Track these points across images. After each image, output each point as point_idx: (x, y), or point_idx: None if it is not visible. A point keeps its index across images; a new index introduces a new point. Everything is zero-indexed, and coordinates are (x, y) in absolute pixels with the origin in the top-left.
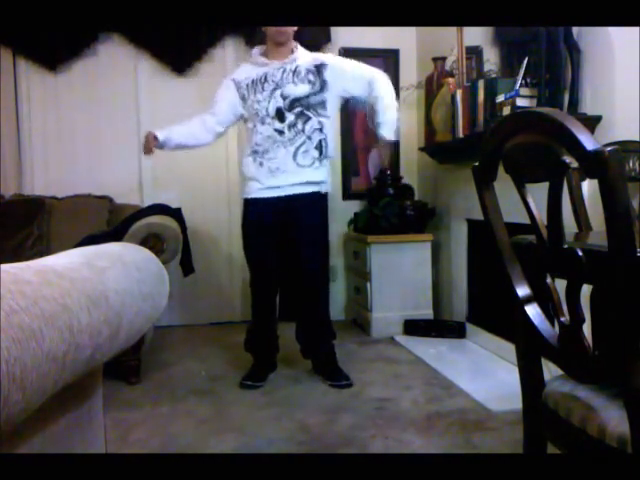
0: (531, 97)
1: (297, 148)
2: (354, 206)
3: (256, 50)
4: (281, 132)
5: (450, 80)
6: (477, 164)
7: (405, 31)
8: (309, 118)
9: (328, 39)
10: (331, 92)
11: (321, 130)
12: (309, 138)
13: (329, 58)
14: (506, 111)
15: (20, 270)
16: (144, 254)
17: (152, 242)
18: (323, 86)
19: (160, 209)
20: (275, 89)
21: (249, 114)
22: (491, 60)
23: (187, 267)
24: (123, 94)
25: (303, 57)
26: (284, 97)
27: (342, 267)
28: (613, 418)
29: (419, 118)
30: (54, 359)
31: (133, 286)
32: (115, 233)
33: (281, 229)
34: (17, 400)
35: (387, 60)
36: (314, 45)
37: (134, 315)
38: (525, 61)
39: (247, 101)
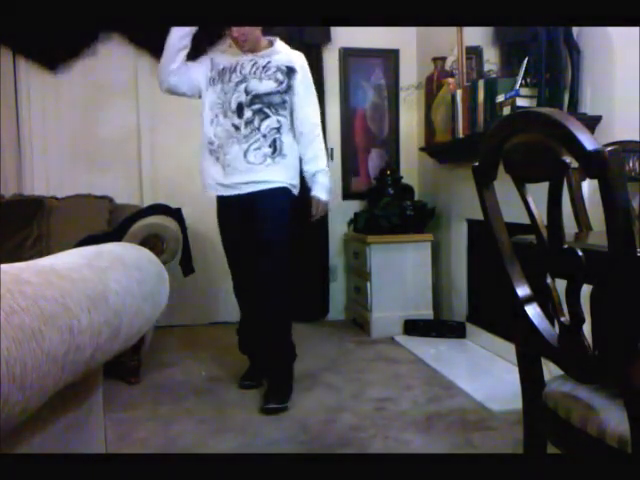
0: (531, 97)
1: (250, 145)
2: (354, 206)
3: (229, 41)
4: (237, 128)
5: (450, 80)
6: (477, 164)
7: (405, 31)
8: (267, 116)
9: (328, 39)
10: (292, 97)
11: (278, 130)
12: (264, 136)
13: (301, 67)
14: (506, 111)
15: (20, 270)
16: (144, 254)
17: (152, 242)
18: (289, 88)
19: (160, 209)
20: (241, 82)
21: (212, 102)
22: (491, 60)
23: (187, 267)
24: (123, 94)
25: (279, 53)
26: (247, 92)
27: (342, 267)
28: (613, 418)
29: (419, 118)
30: (54, 359)
31: (133, 286)
32: (115, 233)
33: (246, 226)
34: (17, 400)
35: (387, 60)
36: (314, 45)
37: (134, 315)
38: (525, 61)
39: (215, 87)
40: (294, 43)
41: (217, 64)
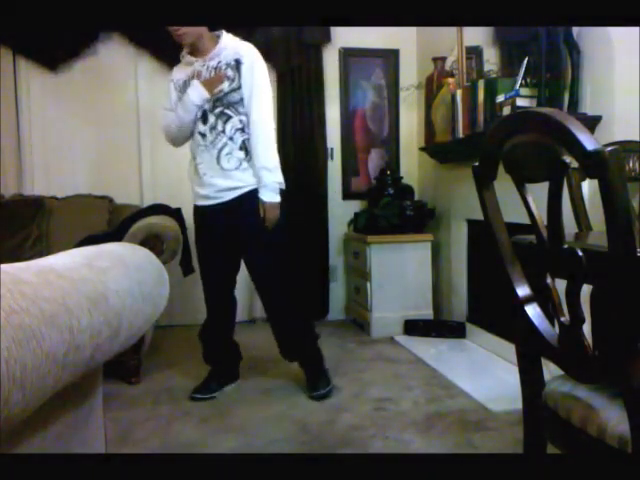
0: (531, 97)
1: (219, 151)
2: (354, 206)
3: (186, 48)
4: (203, 135)
5: (450, 80)
6: (477, 164)
7: (405, 31)
8: (229, 117)
9: (328, 39)
10: (243, 91)
11: (243, 130)
12: (231, 139)
13: (247, 56)
14: (506, 111)
15: (20, 270)
16: (144, 254)
17: (152, 242)
18: (241, 83)
19: (160, 209)
20: None
21: None
22: (491, 60)
23: (187, 267)
24: (123, 94)
25: (226, 49)
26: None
27: (342, 267)
28: (613, 418)
29: (419, 118)
30: (54, 359)
31: (133, 286)
32: (115, 233)
33: (228, 233)
34: (17, 400)
35: (387, 60)
36: (314, 45)
37: (134, 315)
38: (525, 61)
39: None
40: (294, 43)
41: (177, 82)
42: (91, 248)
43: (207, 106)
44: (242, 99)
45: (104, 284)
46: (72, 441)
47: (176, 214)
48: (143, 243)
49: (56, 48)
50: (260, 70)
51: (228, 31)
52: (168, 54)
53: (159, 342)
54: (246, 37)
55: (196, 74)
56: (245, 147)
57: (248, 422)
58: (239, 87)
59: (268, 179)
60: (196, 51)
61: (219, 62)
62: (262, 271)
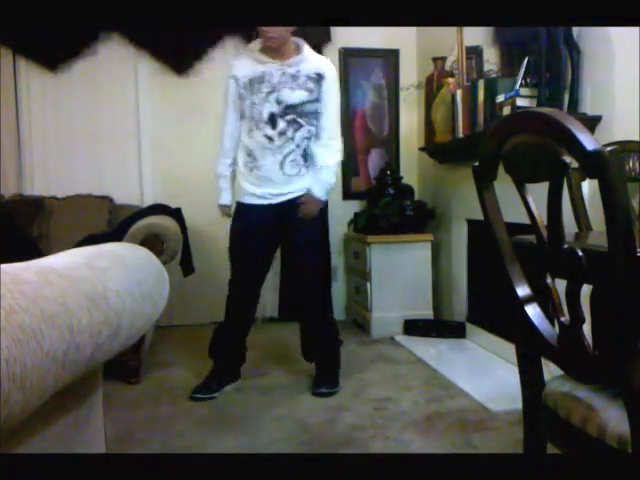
0: (531, 97)
1: (285, 157)
2: (354, 206)
3: (256, 43)
4: (271, 139)
5: (450, 80)
6: (477, 164)
7: (405, 31)
8: (301, 126)
9: (328, 39)
10: (321, 104)
11: (310, 139)
12: (297, 146)
13: (330, 70)
14: (506, 111)
15: (20, 270)
16: (144, 254)
17: (152, 242)
18: (320, 96)
19: (160, 209)
20: (271, 92)
21: (245, 115)
22: (491, 60)
23: (187, 267)
24: (123, 94)
25: (307, 61)
26: (279, 102)
27: (342, 267)
28: (613, 418)
29: (419, 118)
30: (54, 359)
31: (133, 286)
32: (115, 233)
33: (273, 233)
34: (17, 400)
35: (387, 60)
36: (314, 45)
37: (134, 315)
38: (525, 61)
39: (245, 101)
40: None
41: (242, 78)
42: (91, 248)
43: (276, 110)
44: (316, 111)
45: (104, 284)
46: (72, 441)
47: (176, 214)
48: (143, 243)
49: (56, 48)
50: (337, 87)
51: (228, 31)
52: (168, 54)
53: (159, 342)
54: (246, 37)
55: (268, 75)
56: (306, 154)
57: (248, 422)
58: (316, 99)
59: (325, 177)
60: (274, 52)
61: (298, 71)
62: (312, 269)
